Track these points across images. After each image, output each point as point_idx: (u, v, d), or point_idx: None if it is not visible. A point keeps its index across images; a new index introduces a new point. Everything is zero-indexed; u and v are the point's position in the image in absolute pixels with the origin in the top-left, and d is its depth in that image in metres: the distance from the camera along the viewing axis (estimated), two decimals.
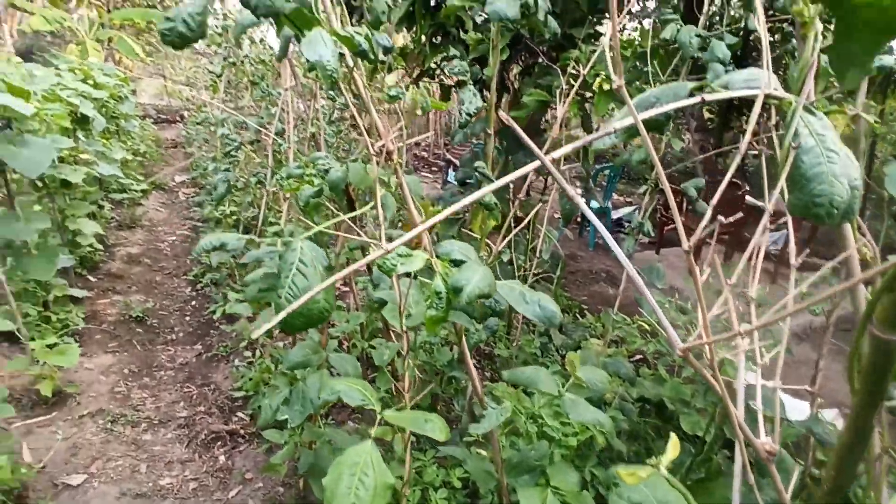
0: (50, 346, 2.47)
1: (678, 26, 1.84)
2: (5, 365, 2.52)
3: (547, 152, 0.56)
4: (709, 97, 0.47)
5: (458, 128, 1.90)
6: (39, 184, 2.90)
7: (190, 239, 4.77)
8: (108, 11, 12.46)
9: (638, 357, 2.99)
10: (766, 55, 0.48)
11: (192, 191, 6.47)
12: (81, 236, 3.16)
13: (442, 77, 4.24)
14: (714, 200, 0.50)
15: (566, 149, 0.54)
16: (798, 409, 1.53)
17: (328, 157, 1.44)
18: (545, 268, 3.04)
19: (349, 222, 1.38)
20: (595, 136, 0.56)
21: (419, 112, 1.22)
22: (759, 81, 0.51)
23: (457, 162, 8.25)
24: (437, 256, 0.90)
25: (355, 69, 0.98)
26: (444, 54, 3.26)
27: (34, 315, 2.77)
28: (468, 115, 1.52)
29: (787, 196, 0.51)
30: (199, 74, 9.35)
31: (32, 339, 2.54)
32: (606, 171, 5.69)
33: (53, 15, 9.46)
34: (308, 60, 0.73)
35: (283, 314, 0.52)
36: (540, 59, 3.07)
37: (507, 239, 1.84)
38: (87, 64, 5.92)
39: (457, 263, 0.87)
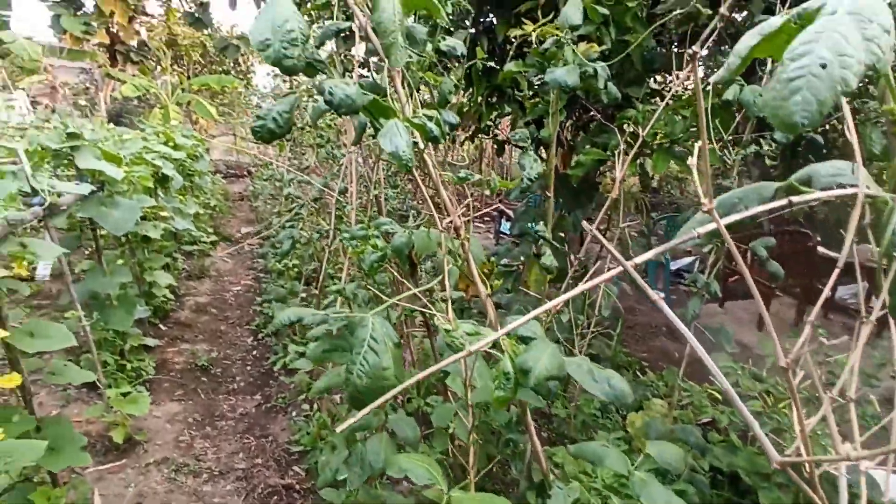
0: (124, 395, 2.61)
1: (740, 85, 1.82)
2: (84, 411, 2.67)
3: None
4: (797, 199, 0.46)
5: (520, 192, 1.92)
6: (123, 239, 3.15)
7: (253, 289, 4.98)
8: (188, 78, 13.72)
9: (705, 420, 2.81)
10: (858, 154, 0.46)
11: (257, 242, 6.80)
12: (156, 288, 3.38)
13: (496, 132, 4.35)
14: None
15: (647, 255, 0.54)
16: None
17: (392, 222, 1.49)
18: (604, 323, 2.96)
19: (411, 286, 1.41)
20: (677, 240, 0.55)
21: (487, 191, 1.25)
22: (847, 176, 0.50)
23: (510, 212, 8.31)
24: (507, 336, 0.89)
25: (425, 151, 1.03)
26: (499, 112, 3.35)
27: (111, 364, 2.95)
28: (529, 180, 1.54)
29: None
30: None
31: (109, 386, 2.69)
32: (665, 222, 5.56)
33: (142, 83, 10.51)
34: (384, 150, 0.77)
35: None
36: (595, 116, 3.10)
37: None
38: (170, 127, 6.49)
39: (524, 340, 0.87)
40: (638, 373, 3.52)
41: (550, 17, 2.28)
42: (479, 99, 3.26)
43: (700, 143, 0.44)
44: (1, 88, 8.02)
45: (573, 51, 1.86)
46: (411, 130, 0.82)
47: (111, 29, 11.28)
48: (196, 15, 13.09)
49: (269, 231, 6.24)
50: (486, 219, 9.86)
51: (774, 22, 0.47)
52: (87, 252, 3.19)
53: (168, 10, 13.52)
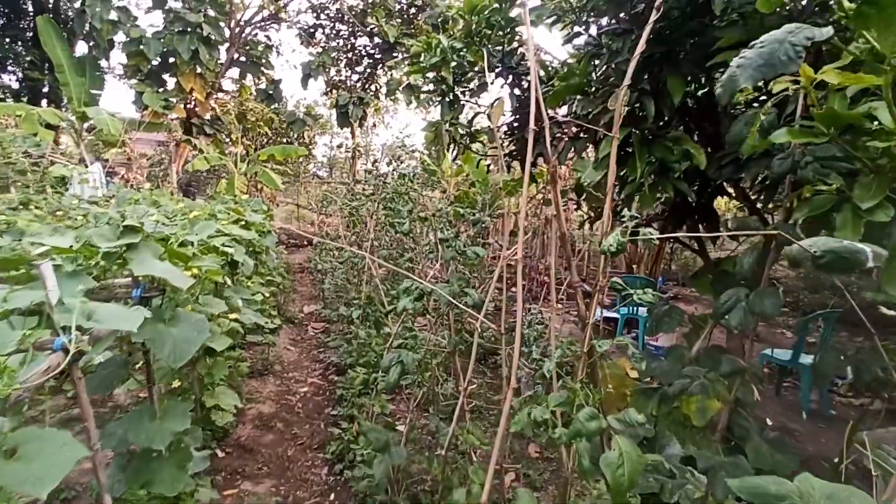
0: None
1: None
2: None
3: None
4: None
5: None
6: None
7: (322, 390, 4.22)
8: (256, 150, 13.98)
9: None
10: None
11: (321, 325, 6.15)
12: (218, 413, 2.66)
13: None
14: None
15: None
16: None
17: None
18: None
19: None
20: None
21: None
22: None
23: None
24: None
25: None
26: (667, 194, 2.57)
27: None
28: None
29: None
30: (333, 200, 9.70)
31: None
32: (821, 319, 4.50)
33: (213, 156, 10.57)
34: None
35: None
36: None
37: None
38: (240, 202, 6.10)
39: None
40: None
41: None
42: (639, 175, 2.49)
43: None
44: (78, 162, 8.05)
45: None
46: None
47: (188, 105, 11.63)
48: (268, 92, 13.51)
49: (328, 309, 5.58)
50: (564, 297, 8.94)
51: None
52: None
53: (242, 86, 14.02)
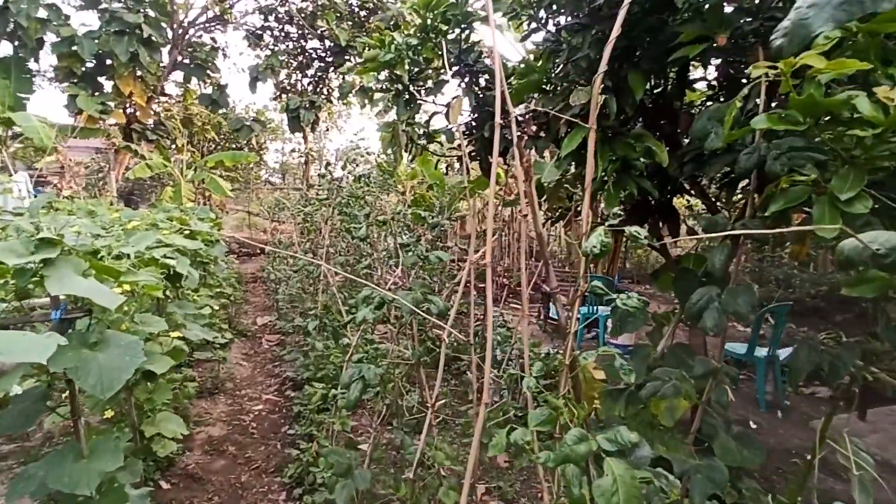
0: None
1: None
2: None
3: None
4: None
5: None
6: None
7: (278, 407, 3.99)
8: (202, 156, 13.39)
9: None
10: None
11: (276, 337, 5.87)
12: (159, 443, 2.42)
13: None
14: None
15: None
16: None
17: None
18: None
19: None
20: None
21: None
22: None
23: (563, 298, 7.37)
24: None
25: None
26: (628, 191, 2.52)
27: None
28: None
29: None
30: (284, 206, 9.36)
31: None
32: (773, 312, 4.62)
33: (156, 163, 10.02)
34: None
35: None
36: None
37: None
38: (185, 210, 5.76)
39: None
40: None
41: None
42: (599, 174, 2.44)
43: None
44: (0, 170, 7.44)
45: None
46: None
47: (128, 109, 11.00)
48: (213, 97, 12.95)
49: (288, 323, 5.33)
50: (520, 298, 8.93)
51: None
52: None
53: (187, 90, 13.41)
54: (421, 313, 1.64)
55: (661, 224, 3.19)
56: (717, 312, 1.89)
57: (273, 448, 3.30)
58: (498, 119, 1.43)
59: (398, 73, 2.98)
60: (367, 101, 13.88)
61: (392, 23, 10.37)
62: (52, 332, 1.34)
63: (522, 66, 2.96)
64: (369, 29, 12.45)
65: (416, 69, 3.09)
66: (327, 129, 17.78)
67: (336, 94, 13.83)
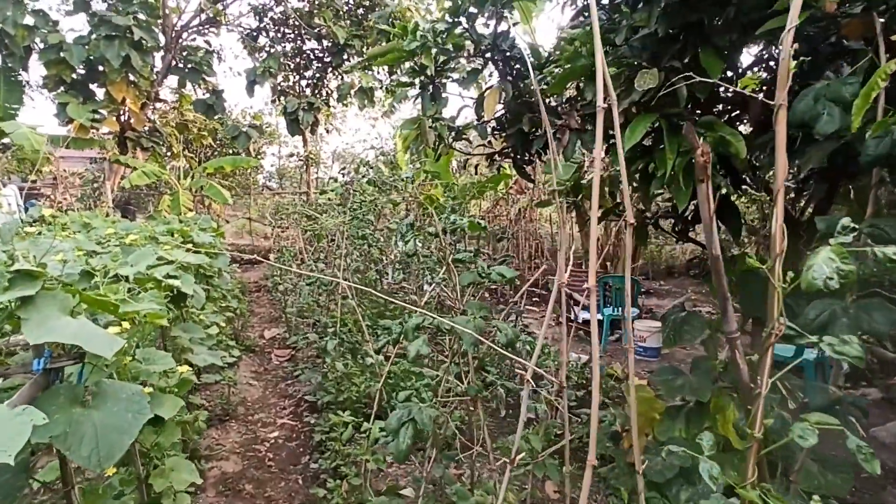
0: None
1: None
2: None
3: None
4: None
5: None
6: None
7: (295, 433, 3.66)
8: (199, 163, 13.03)
9: None
10: None
11: (286, 352, 5.54)
12: (169, 496, 2.09)
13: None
14: None
15: None
16: None
17: None
18: None
19: None
20: None
21: None
22: None
23: (577, 297, 7.03)
24: None
25: None
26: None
27: None
28: None
29: None
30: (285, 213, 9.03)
31: None
32: None
33: (151, 170, 9.68)
34: None
35: None
36: None
37: None
38: (186, 220, 5.43)
39: None
40: None
41: None
42: (669, 168, 2.11)
43: None
44: None
45: None
46: None
47: (121, 117, 10.64)
48: (208, 102, 12.57)
49: (301, 339, 5.00)
50: (535, 300, 8.62)
51: None
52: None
53: (181, 97, 13.05)
54: (496, 347, 1.32)
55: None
56: (846, 330, 1.57)
57: (294, 484, 2.97)
58: (601, 100, 1.10)
59: (424, 62, 2.66)
60: (366, 102, 13.57)
61: (391, 19, 10.04)
62: (25, 407, 1.01)
63: (563, 52, 2.63)
64: (367, 27, 12.13)
65: (443, 59, 2.76)
66: (328, 131, 17.38)
67: (335, 95, 13.48)
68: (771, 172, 2.72)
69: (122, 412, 1.32)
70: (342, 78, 13.46)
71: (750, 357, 1.27)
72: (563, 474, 1.76)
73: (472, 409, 1.79)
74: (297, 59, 13.15)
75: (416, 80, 2.88)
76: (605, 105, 1.12)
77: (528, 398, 1.28)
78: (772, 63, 2.48)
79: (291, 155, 17.74)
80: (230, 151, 15.39)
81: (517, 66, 2.70)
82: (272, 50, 12.78)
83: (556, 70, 2.68)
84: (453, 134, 3.00)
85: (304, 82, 13.53)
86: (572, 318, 6.92)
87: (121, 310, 1.63)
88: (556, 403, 1.88)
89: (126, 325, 1.52)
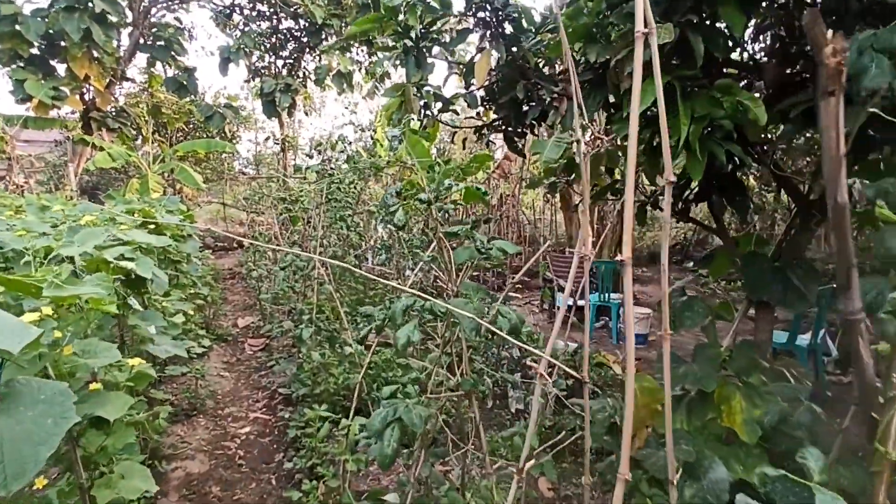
0: None
1: None
2: None
3: None
4: None
5: None
6: None
7: (268, 427, 3.42)
8: (170, 146, 12.49)
9: None
10: None
11: (261, 341, 5.26)
12: None
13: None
14: None
15: None
16: None
17: None
18: None
19: None
20: None
21: None
22: None
23: (561, 282, 6.87)
24: None
25: None
26: (723, 160, 1.99)
27: None
28: None
29: None
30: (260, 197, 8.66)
31: None
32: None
33: (118, 152, 9.19)
34: None
35: None
36: None
37: None
38: (150, 201, 5.08)
39: None
40: None
41: None
42: (683, 136, 1.91)
43: None
44: None
45: None
46: None
47: (85, 95, 10.07)
48: (180, 80, 11.99)
49: (268, 322, 4.73)
50: (518, 286, 8.47)
51: None
52: None
53: (151, 75, 12.46)
54: (502, 334, 1.10)
55: (723, 201, 2.68)
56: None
57: (267, 486, 2.73)
58: (640, 24, 0.88)
59: (409, 22, 2.40)
60: (345, 87, 13.13)
61: None
62: None
63: (570, 9, 2.39)
64: (346, 6, 11.70)
65: (429, 18, 2.51)
66: (306, 114, 16.84)
67: (312, 76, 13.02)
68: (782, 146, 2.53)
69: (40, 417, 1.06)
70: (320, 59, 13.01)
71: (875, 347, 1.07)
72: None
73: (463, 403, 1.57)
74: (273, 39, 12.64)
75: (400, 44, 2.62)
76: (646, 31, 0.90)
77: (539, 397, 1.06)
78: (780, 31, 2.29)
79: (268, 138, 17.19)
80: (204, 135, 14.81)
81: (511, 26, 2.46)
82: (246, 28, 12.26)
83: (551, 37, 2.46)
84: (440, 105, 2.75)
85: (280, 62, 13.03)
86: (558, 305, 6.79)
87: (52, 293, 1.37)
88: (562, 398, 1.68)
89: (47, 310, 1.26)
